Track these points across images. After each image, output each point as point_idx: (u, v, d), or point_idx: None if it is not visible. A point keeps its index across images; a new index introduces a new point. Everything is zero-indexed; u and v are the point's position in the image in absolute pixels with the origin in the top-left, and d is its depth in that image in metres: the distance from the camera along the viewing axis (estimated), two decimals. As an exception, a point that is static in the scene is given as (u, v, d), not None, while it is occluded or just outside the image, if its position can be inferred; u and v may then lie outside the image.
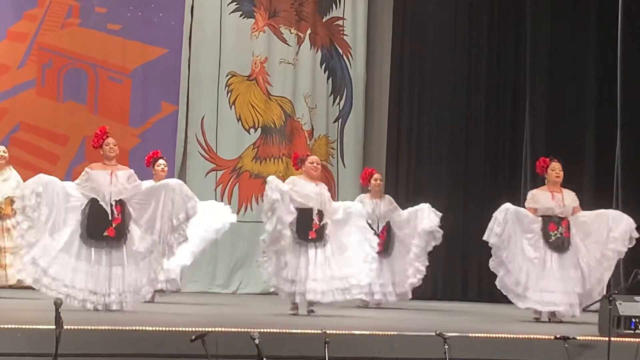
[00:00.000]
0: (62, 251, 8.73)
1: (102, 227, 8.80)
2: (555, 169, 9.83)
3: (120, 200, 8.88)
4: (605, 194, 11.83)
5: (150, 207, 8.92)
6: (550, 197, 9.74)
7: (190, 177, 13.42)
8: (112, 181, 8.90)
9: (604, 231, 9.69)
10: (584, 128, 12.87)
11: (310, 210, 9.42)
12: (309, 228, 9.39)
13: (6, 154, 10.83)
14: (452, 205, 13.74)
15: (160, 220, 8.88)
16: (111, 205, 8.83)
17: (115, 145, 9.09)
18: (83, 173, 9.00)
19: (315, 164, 9.64)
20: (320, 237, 9.42)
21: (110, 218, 8.82)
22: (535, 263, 9.62)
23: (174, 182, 9.16)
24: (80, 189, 8.90)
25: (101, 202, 8.84)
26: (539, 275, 9.60)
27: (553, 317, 9.72)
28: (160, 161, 10.70)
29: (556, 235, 9.67)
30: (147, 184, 9.49)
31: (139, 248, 8.87)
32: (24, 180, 10.52)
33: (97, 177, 8.89)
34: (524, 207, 9.90)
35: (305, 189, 9.46)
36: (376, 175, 11.56)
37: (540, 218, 9.72)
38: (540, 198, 9.77)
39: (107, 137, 9.08)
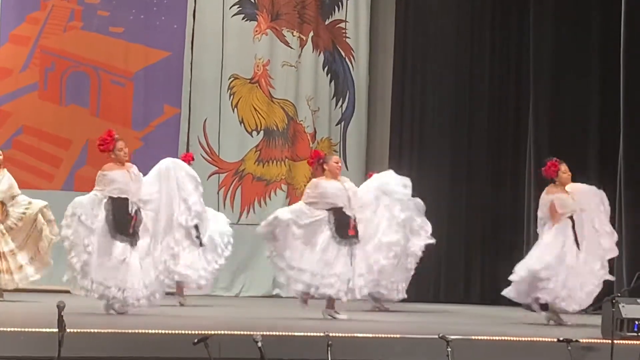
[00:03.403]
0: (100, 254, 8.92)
1: (127, 223, 8.97)
2: (566, 171, 9.99)
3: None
4: (609, 192, 11.83)
5: (162, 211, 9.13)
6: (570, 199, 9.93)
7: (192, 180, 13.42)
8: (132, 179, 9.05)
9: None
10: (587, 128, 12.85)
11: (341, 208, 9.52)
12: (347, 226, 9.46)
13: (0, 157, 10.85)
14: (454, 208, 13.76)
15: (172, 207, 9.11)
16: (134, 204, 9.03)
17: (126, 148, 9.27)
18: (101, 177, 9.06)
19: (339, 163, 9.93)
20: (357, 233, 9.52)
21: (130, 216, 8.96)
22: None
23: (169, 162, 9.35)
24: (102, 193, 8.97)
25: (132, 200, 9.00)
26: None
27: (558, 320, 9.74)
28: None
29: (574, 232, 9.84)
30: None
31: (143, 247, 9.02)
32: (23, 182, 10.61)
33: (118, 176, 9.03)
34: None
35: (332, 189, 9.57)
36: None
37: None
38: (567, 202, 9.88)
39: (118, 140, 9.18)
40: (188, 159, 10.91)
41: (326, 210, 9.52)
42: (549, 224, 9.86)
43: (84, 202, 8.97)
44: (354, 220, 9.56)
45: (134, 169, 9.23)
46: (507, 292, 9.83)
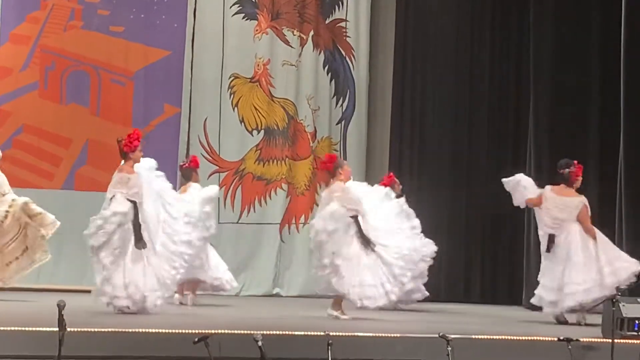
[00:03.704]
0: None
1: (140, 227, 8.99)
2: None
3: None
4: (609, 192, 11.84)
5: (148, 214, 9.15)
6: None
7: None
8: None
9: None
10: (587, 128, 12.85)
11: (359, 215, 9.52)
12: (365, 233, 9.45)
13: None
14: (454, 208, 13.75)
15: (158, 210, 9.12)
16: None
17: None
18: (125, 179, 9.05)
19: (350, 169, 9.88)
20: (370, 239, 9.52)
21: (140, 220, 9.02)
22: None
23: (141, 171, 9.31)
24: (127, 196, 8.98)
25: (141, 204, 9.04)
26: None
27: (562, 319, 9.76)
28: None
29: None
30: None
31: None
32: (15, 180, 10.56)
33: (136, 180, 9.03)
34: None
35: (358, 196, 9.56)
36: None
37: None
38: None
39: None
40: (194, 165, 10.98)
41: (349, 217, 9.42)
42: (576, 228, 9.81)
43: (126, 204, 8.95)
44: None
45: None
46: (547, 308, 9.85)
